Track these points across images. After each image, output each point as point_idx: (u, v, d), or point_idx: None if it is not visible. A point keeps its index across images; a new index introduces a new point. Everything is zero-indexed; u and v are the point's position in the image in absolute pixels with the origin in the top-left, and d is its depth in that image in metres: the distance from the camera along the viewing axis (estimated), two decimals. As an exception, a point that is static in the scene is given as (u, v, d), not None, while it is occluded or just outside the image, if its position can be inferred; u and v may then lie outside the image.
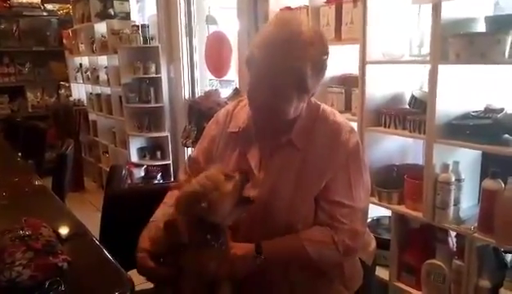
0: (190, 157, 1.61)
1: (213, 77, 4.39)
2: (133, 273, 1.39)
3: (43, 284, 1.17)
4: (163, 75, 4.69)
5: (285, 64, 1.24)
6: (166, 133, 4.77)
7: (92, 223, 1.78)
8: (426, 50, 2.12)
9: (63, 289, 1.19)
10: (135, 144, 4.92)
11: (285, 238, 1.32)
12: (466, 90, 2.02)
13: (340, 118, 1.43)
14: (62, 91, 6.42)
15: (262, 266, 1.29)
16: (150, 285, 1.42)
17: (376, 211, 2.44)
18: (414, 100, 2.27)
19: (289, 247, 1.33)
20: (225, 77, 4.17)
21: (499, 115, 1.85)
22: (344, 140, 1.37)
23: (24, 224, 1.38)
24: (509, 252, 1.89)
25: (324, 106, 1.45)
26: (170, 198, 1.47)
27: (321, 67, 1.32)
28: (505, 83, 2.01)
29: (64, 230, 1.59)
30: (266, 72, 1.26)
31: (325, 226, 1.33)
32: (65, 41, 6.29)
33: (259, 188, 1.35)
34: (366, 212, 1.42)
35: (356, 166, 1.37)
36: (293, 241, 1.32)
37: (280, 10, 2.83)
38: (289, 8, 2.79)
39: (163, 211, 1.42)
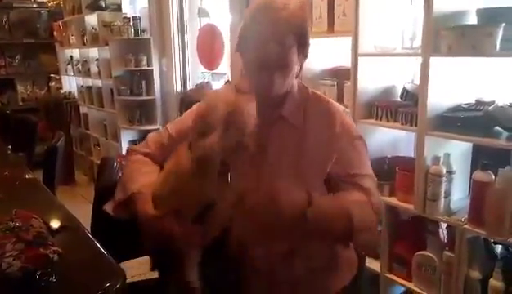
0: (154, 138, 1.52)
1: (204, 70, 4.37)
2: (125, 265, 1.40)
3: (34, 275, 1.17)
4: (155, 68, 4.66)
5: (287, 16, 1.27)
6: (158, 126, 4.74)
7: (83, 216, 1.77)
8: (418, 43, 2.12)
9: (54, 280, 1.18)
10: (126, 137, 4.89)
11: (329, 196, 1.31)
12: (457, 82, 2.03)
13: (331, 100, 1.46)
14: (53, 84, 6.38)
15: (307, 223, 1.16)
16: (153, 275, 1.40)
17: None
18: (405, 92, 2.28)
19: (335, 204, 1.25)
20: (217, 70, 4.16)
21: (490, 108, 1.86)
22: (343, 120, 1.39)
23: (15, 216, 1.38)
24: (499, 243, 1.91)
25: (312, 89, 1.46)
26: (143, 164, 1.43)
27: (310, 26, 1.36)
28: (496, 76, 2.02)
29: (55, 222, 1.58)
30: (269, 26, 1.28)
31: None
32: (55, 33, 6.24)
33: (258, 167, 1.34)
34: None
35: (362, 146, 1.40)
36: (337, 199, 1.28)
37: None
38: (281, 0, 2.77)
39: (146, 178, 1.36)
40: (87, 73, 5.44)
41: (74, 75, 5.94)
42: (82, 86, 5.75)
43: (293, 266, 1.36)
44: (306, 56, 1.37)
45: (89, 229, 1.68)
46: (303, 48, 1.34)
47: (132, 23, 4.54)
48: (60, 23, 5.98)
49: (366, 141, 2.23)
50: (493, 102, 1.91)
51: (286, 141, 1.36)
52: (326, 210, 1.20)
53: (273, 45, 1.28)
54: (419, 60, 2.02)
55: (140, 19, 4.60)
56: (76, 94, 6.00)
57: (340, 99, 2.51)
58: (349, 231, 1.19)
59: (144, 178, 1.36)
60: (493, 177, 1.85)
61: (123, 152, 4.79)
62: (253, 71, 1.34)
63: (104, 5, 4.95)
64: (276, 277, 1.37)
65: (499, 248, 1.95)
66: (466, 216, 1.96)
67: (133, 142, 4.87)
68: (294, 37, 1.30)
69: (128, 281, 1.33)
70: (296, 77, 1.40)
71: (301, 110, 1.39)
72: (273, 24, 1.27)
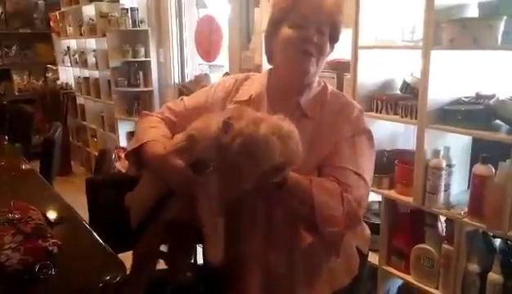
0: (169, 107, 1.55)
1: (202, 62, 4.35)
2: (124, 256, 1.39)
3: (33, 268, 1.16)
4: (153, 59, 4.65)
5: (329, 6, 1.34)
6: (155, 117, 4.72)
7: (81, 207, 1.77)
8: (418, 35, 2.11)
9: (53, 273, 1.18)
10: (124, 129, 4.88)
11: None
12: (458, 75, 2.02)
13: (350, 98, 1.49)
14: (49, 75, 6.34)
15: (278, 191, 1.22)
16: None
17: (366, 196, 2.44)
18: (406, 85, 2.28)
19: (301, 184, 1.25)
20: (215, 62, 4.14)
21: (490, 101, 1.85)
22: (354, 118, 1.41)
23: (13, 208, 1.37)
24: (499, 237, 1.91)
25: (332, 88, 1.50)
26: (157, 123, 1.46)
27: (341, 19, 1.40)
28: (497, 69, 2.01)
29: (53, 214, 1.58)
30: (312, 14, 1.33)
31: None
32: (52, 23, 6.19)
33: None
34: (369, 187, 1.38)
35: (363, 140, 1.39)
36: (304, 180, 1.26)
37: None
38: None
39: (160, 132, 1.41)
40: (84, 63, 5.41)
41: (71, 66, 5.91)
42: (79, 77, 5.73)
43: (292, 265, 1.35)
44: (332, 50, 1.42)
45: (87, 220, 1.67)
46: (333, 41, 1.40)
47: (129, 14, 4.52)
48: (58, 13, 5.94)
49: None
50: (494, 95, 1.90)
51: (299, 130, 1.33)
52: (298, 181, 1.24)
53: (314, 32, 1.33)
54: (420, 52, 2.01)
55: (137, 10, 4.58)
56: (73, 85, 5.97)
57: (340, 91, 2.49)
58: (311, 211, 1.22)
59: (157, 132, 1.41)
60: (493, 171, 1.84)
61: (121, 144, 4.78)
62: (291, 54, 1.36)
63: (101, -5, 4.91)
64: (270, 275, 1.36)
65: (498, 242, 1.95)
66: (465, 210, 1.95)
67: (130, 133, 4.86)
68: (330, 29, 1.36)
69: (128, 273, 1.33)
70: None
71: (317, 103, 1.41)
72: (316, 13, 1.33)
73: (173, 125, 1.48)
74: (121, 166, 3.83)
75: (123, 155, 4.52)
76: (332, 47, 1.42)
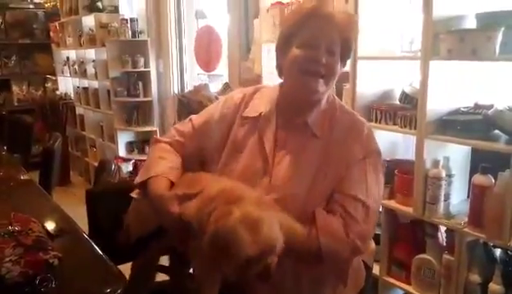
0: (178, 129, 1.54)
1: (202, 72, 4.36)
2: (125, 268, 1.39)
3: (34, 281, 1.16)
4: (152, 69, 4.65)
5: (338, 25, 1.31)
6: (155, 127, 4.73)
7: (80, 217, 1.76)
8: (417, 46, 2.13)
9: (53, 286, 1.17)
10: (123, 139, 4.88)
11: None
12: (457, 86, 2.03)
13: (359, 116, 1.45)
14: (49, 85, 6.34)
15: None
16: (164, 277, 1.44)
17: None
18: (404, 95, 2.28)
19: (304, 234, 1.22)
20: (214, 72, 4.15)
21: (489, 111, 1.85)
22: (365, 137, 1.37)
23: (14, 220, 1.36)
24: (499, 247, 1.91)
25: (341, 102, 1.48)
26: (166, 152, 1.45)
27: (354, 37, 1.40)
28: (495, 80, 2.02)
29: (53, 226, 1.57)
30: (322, 34, 1.30)
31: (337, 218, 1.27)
32: (52, 34, 6.21)
33: (271, 173, 1.33)
34: (377, 215, 1.38)
35: (373, 165, 1.35)
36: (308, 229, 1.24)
37: (272, 5, 2.82)
38: (280, 3, 2.78)
39: (168, 164, 1.41)
40: (83, 74, 5.41)
41: (71, 76, 5.91)
42: (78, 87, 5.73)
43: (298, 280, 1.34)
44: (344, 67, 1.39)
45: (86, 231, 1.67)
46: (344, 59, 1.36)
47: (129, 24, 4.53)
48: (57, 24, 5.95)
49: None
50: (492, 106, 1.91)
51: (307, 150, 1.34)
52: (302, 237, 1.21)
53: (324, 52, 1.29)
54: (418, 63, 2.01)
55: (137, 20, 4.59)
56: (72, 95, 5.97)
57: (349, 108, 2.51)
58: (319, 256, 1.22)
59: (165, 164, 1.39)
60: (493, 181, 1.85)
61: (120, 154, 4.78)
62: (297, 75, 1.34)
63: (101, 6, 4.93)
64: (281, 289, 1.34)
65: (498, 252, 1.94)
66: (466, 220, 1.95)
67: (130, 143, 4.87)
68: (340, 48, 1.32)
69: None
70: None
71: (326, 121, 1.38)
72: (326, 32, 1.30)
73: (182, 147, 1.48)
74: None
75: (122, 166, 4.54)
76: (344, 64, 1.38)
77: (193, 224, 1.16)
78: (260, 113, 1.41)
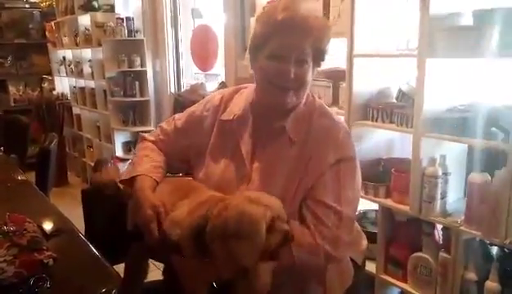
0: (162, 127, 1.57)
1: (198, 71, 4.36)
2: (121, 268, 1.38)
3: (28, 281, 1.15)
4: (149, 69, 4.65)
5: (308, 35, 1.26)
6: (151, 127, 4.71)
7: (76, 218, 1.76)
8: (414, 44, 2.12)
9: (48, 286, 1.17)
10: (120, 139, 4.87)
11: None
12: (453, 84, 2.03)
13: (338, 118, 1.42)
14: (45, 85, 6.33)
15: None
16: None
17: (363, 204, 2.44)
18: (401, 94, 2.28)
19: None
20: (210, 71, 4.15)
21: (486, 109, 1.85)
22: (340, 142, 1.34)
23: (8, 220, 1.36)
24: (495, 245, 1.91)
25: (321, 102, 1.44)
26: (151, 151, 1.49)
27: (328, 41, 1.33)
28: (492, 77, 2.01)
29: (49, 226, 1.57)
30: (288, 47, 1.27)
31: (307, 227, 1.27)
32: (47, 33, 6.19)
33: (249, 178, 1.34)
34: (352, 220, 1.37)
35: (348, 169, 1.33)
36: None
37: (268, 3, 2.81)
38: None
39: (151, 162, 1.44)
40: (80, 73, 5.40)
41: (67, 76, 5.90)
42: (75, 87, 5.71)
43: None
44: (318, 67, 1.37)
45: (83, 232, 1.67)
46: (318, 63, 1.34)
47: (125, 23, 4.52)
48: (53, 23, 5.94)
49: (362, 143, 2.23)
50: (489, 104, 1.91)
51: (284, 155, 1.33)
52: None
53: (291, 65, 1.27)
54: (415, 61, 2.01)
55: (133, 19, 4.59)
56: (69, 95, 5.96)
57: (336, 100, 2.50)
58: (292, 268, 1.23)
59: (148, 163, 1.43)
60: (489, 179, 1.85)
61: (117, 154, 4.77)
62: (267, 86, 1.33)
63: (97, 5, 4.91)
64: None
65: (495, 250, 1.95)
66: (462, 218, 1.95)
67: (127, 143, 4.85)
68: (312, 55, 1.29)
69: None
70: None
71: (304, 124, 1.36)
72: (296, 43, 1.27)
73: (165, 145, 1.52)
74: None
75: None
76: (318, 65, 1.36)
77: (171, 235, 1.18)
78: (235, 116, 1.41)
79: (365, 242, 1.60)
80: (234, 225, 1.06)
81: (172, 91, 4.57)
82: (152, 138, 1.54)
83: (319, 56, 1.33)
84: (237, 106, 1.43)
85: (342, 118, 1.47)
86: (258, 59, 1.33)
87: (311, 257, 1.25)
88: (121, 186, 1.47)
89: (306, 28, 1.26)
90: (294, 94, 1.31)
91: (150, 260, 1.50)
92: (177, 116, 1.57)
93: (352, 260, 1.50)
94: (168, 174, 1.51)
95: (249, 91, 1.46)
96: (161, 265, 1.57)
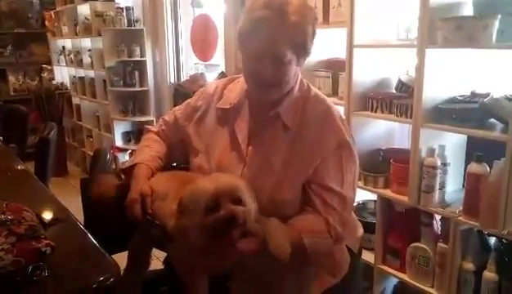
0: (164, 119, 1.64)
1: (198, 61, 4.34)
2: (119, 257, 1.38)
3: (26, 269, 1.15)
4: (148, 58, 4.63)
5: (287, 32, 1.25)
6: (151, 117, 4.72)
7: (76, 207, 1.76)
8: (413, 34, 2.12)
9: (46, 274, 1.17)
10: (119, 129, 4.87)
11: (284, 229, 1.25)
12: (453, 74, 2.02)
13: (332, 104, 1.43)
14: (45, 74, 6.30)
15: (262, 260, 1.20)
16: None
17: (362, 195, 2.44)
18: (401, 84, 2.28)
19: (290, 240, 1.20)
20: (210, 61, 4.13)
21: (485, 100, 1.85)
22: (337, 126, 1.36)
23: (6, 209, 1.35)
24: (493, 236, 1.91)
25: (316, 90, 1.45)
26: (152, 141, 1.57)
27: (315, 29, 1.32)
28: (492, 67, 2.01)
29: (47, 215, 1.57)
30: (267, 44, 1.26)
31: (316, 212, 1.30)
32: (47, 23, 6.16)
33: (245, 162, 1.36)
34: (353, 202, 1.43)
35: (347, 154, 1.35)
36: (292, 233, 1.24)
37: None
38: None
39: (151, 152, 1.51)
40: (79, 63, 5.39)
41: (67, 65, 5.89)
42: (74, 76, 5.70)
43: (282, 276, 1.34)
44: (307, 57, 1.37)
45: (81, 221, 1.67)
46: (303, 57, 1.34)
47: (125, 13, 4.49)
48: (52, 13, 5.91)
49: (361, 133, 2.23)
50: (488, 94, 1.90)
51: (278, 141, 1.35)
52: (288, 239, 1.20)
53: (270, 64, 1.27)
54: (415, 51, 2.00)
55: (133, 9, 4.56)
56: (68, 85, 5.94)
57: (335, 90, 2.50)
58: (304, 256, 1.25)
59: (149, 152, 1.51)
60: (488, 169, 1.84)
61: (117, 143, 4.77)
62: (249, 82, 1.37)
63: (96, -6, 4.89)
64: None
65: (493, 240, 1.95)
66: (460, 208, 1.95)
67: (126, 133, 4.85)
68: (294, 51, 1.28)
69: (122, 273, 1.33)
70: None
71: (298, 111, 1.37)
72: (272, 45, 1.26)
73: (167, 136, 1.59)
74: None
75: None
76: (304, 59, 1.35)
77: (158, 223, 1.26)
78: (231, 105, 1.43)
79: (361, 230, 1.62)
80: (182, 201, 1.17)
81: (172, 81, 4.56)
82: (155, 129, 1.62)
83: (302, 53, 1.32)
84: (234, 93, 1.46)
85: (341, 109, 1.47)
86: (241, 53, 1.36)
87: (322, 241, 1.29)
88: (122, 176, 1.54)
89: (282, 28, 1.24)
90: (277, 89, 1.34)
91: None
92: (176, 108, 1.63)
93: (348, 249, 1.50)
94: (173, 164, 1.60)
95: (244, 79, 1.46)
96: (162, 255, 1.58)
